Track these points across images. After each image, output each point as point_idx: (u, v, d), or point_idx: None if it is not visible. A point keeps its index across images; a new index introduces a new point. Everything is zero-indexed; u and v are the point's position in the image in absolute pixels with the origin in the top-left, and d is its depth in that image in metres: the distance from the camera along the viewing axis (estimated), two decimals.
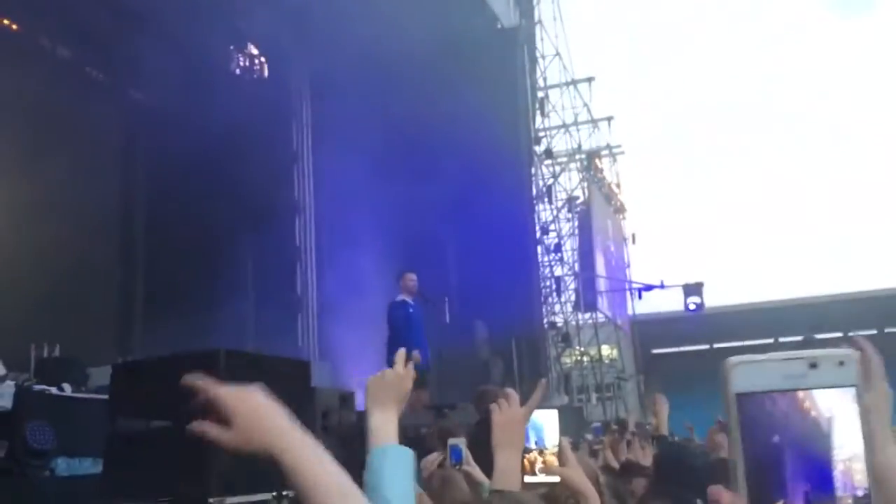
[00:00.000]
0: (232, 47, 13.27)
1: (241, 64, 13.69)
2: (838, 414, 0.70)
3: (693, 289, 19.95)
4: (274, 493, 4.29)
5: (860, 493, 0.69)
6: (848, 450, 0.70)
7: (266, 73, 13.97)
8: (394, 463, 1.84)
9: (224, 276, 11.25)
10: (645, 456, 5.76)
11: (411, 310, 9.23)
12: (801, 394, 0.70)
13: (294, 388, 5.63)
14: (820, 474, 0.69)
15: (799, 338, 31.55)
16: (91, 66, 11.45)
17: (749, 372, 0.71)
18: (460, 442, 3.25)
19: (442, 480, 3.47)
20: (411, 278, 9.30)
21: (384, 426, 1.91)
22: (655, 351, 31.19)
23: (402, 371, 1.92)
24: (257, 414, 1.37)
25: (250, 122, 11.73)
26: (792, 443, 0.70)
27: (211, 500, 4.25)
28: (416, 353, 8.92)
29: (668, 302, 22.90)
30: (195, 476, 4.62)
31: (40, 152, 9.16)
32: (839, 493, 0.69)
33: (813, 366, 0.70)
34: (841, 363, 0.71)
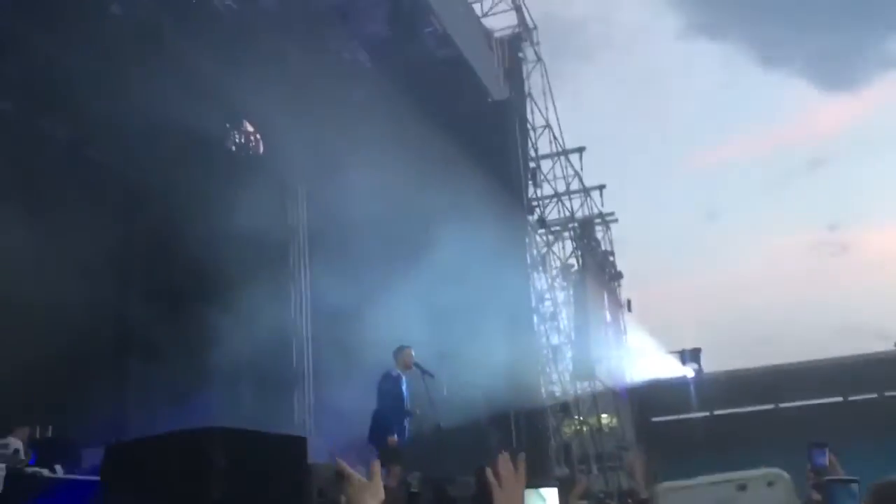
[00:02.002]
0: (228, 125, 13.46)
1: (237, 140, 13.87)
2: None
3: (691, 355, 19.88)
4: None
5: None
6: None
7: (261, 149, 14.14)
8: None
9: (218, 355, 11.18)
10: None
11: (403, 386, 9.29)
12: None
13: (291, 465, 5.56)
14: None
15: (801, 403, 31.35)
16: (90, 146, 11.57)
17: (680, 498, 0.70)
18: None
19: None
20: (410, 354, 9.38)
21: None
22: (655, 419, 30.84)
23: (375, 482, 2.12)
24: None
25: (246, 198, 11.82)
26: None
27: None
28: (392, 438, 9.01)
29: (666, 369, 22.78)
30: None
31: (35, 243, 9.17)
32: None
33: (742, 488, 0.69)
34: (770, 483, 0.70)
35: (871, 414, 28.29)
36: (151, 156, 11.16)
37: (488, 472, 2.17)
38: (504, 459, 2.17)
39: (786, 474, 0.69)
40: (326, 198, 13.59)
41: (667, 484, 0.69)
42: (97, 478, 6.16)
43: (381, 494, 2.08)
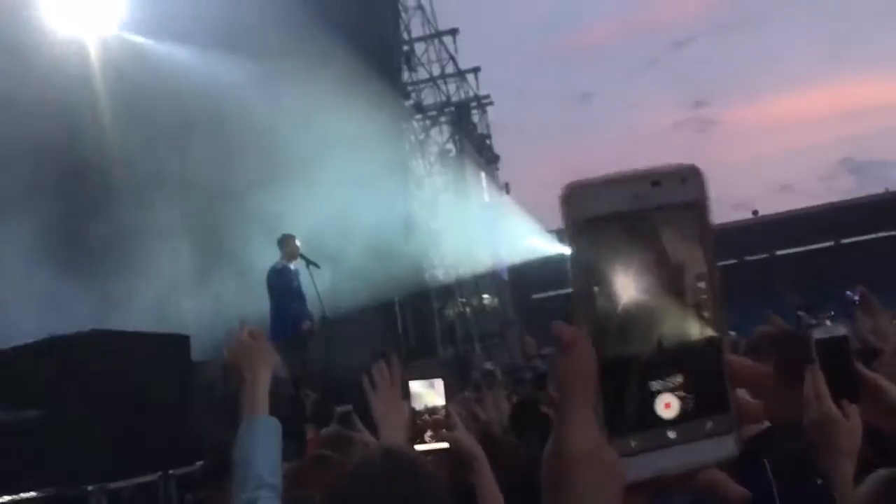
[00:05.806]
0: None
1: None
2: (674, 229, 0.66)
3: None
4: (160, 474, 4.15)
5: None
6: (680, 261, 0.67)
7: None
8: (257, 432, 1.93)
9: (96, 254, 10.74)
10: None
11: (293, 276, 9.12)
12: (637, 214, 0.65)
13: (172, 364, 5.45)
14: (656, 283, 0.66)
15: None
16: None
17: (592, 195, 0.64)
18: None
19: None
20: (294, 242, 9.16)
21: (251, 395, 2.00)
22: (536, 296, 31.98)
23: (250, 340, 2.08)
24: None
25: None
26: (629, 260, 0.66)
27: (91, 488, 4.08)
28: (307, 323, 8.86)
29: (544, 247, 23.49)
30: (75, 464, 4.43)
31: None
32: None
33: (656, 183, 0.65)
34: (683, 180, 0.66)
35: (733, 279, 30.19)
36: None
37: (364, 379, 2.22)
38: (378, 368, 2.22)
39: (699, 168, 0.66)
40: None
41: (577, 181, 0.63)
42: None
43: (272, 358, 2.11)
